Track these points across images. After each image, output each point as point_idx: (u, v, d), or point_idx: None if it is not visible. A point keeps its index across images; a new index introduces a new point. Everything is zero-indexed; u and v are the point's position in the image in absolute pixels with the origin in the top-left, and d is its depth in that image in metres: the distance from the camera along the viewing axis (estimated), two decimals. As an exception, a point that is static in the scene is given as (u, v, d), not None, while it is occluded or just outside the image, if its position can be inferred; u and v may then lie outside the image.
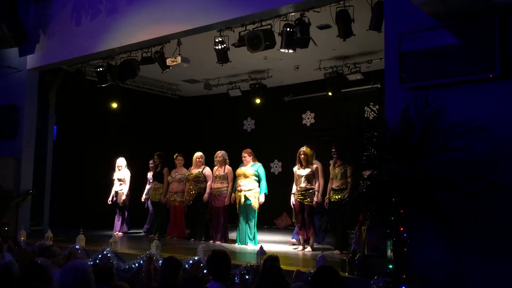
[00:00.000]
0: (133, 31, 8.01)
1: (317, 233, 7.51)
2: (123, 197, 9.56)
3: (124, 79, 9.18)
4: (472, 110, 4.58)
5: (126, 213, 9.73)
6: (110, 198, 9.69)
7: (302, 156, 7.30)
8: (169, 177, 9.18)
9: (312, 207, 7.22)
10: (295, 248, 7.48)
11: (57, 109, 10.53)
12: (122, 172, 9.67)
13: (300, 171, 7.34)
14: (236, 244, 8.07)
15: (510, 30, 4.55)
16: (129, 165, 9.82)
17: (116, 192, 9.62)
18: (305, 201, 7.23)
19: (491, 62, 4.53)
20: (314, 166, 7.37)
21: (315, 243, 7.49)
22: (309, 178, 7.26)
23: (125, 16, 8.12)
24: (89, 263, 6.24)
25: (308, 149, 7.38)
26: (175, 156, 9.31)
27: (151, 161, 9.87)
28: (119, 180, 9.63)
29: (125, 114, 11.60)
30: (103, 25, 8.39)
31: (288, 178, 9.90)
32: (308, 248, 7.22)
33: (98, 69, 9.24)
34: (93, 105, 10.97)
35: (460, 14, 4.72)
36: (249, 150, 8.30)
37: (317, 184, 7.28)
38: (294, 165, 7.56)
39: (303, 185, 7.27)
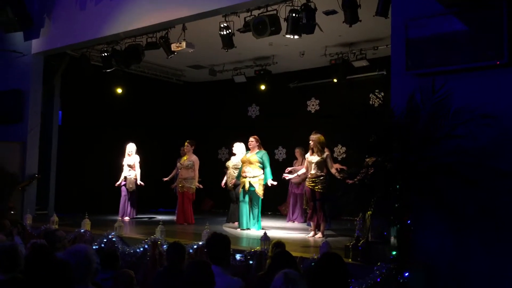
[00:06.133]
0: (137, 16, 7.97)
1: (327, 220, 7.52)
2: (135, 182, 9.62)
3: (129, 64, 9.17)
4: (479, 98, 4.54)
5: (134, 198, 9.78)
6: (119, 182, 9.72)
7: (312, 142, 7.24)
8: (178, 164, 9.19)
9: (323, 194, 7.18)
10: (307, 234, 7.48)
11: (62, 94, 10.54)
12: (131, 158, 9.70)
13: (311, 158, 7.27)
14: (237, 223, 8.26)
15: (519, 17, 4.50)
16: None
17: (126, 177, 9.67)
18: (316, 188, 7.17)
19: (499, 49, 4.48)
20: (325, 153, 7.31)
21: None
22: (320, 165, 7.20)
23: (129, 1, 8.07)
24: (94, 247, 6.30)
25: (320, 136, 7.27)
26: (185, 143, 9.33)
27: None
28: (129, 166, 9.67)
29: (129, 99, 11.61)
30: (108, 9, 8.35)
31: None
32: (319, 234, 7.21)
33: (103, 54, 9.20)
34: (98, 90, 10.99)
35: (467, 0, 4.66)
36: (256, 136, 8.29)
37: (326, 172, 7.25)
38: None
39: (313, 171, 7.21)
